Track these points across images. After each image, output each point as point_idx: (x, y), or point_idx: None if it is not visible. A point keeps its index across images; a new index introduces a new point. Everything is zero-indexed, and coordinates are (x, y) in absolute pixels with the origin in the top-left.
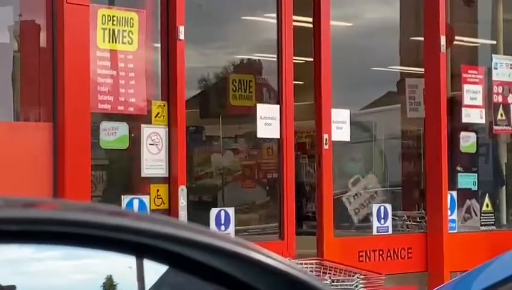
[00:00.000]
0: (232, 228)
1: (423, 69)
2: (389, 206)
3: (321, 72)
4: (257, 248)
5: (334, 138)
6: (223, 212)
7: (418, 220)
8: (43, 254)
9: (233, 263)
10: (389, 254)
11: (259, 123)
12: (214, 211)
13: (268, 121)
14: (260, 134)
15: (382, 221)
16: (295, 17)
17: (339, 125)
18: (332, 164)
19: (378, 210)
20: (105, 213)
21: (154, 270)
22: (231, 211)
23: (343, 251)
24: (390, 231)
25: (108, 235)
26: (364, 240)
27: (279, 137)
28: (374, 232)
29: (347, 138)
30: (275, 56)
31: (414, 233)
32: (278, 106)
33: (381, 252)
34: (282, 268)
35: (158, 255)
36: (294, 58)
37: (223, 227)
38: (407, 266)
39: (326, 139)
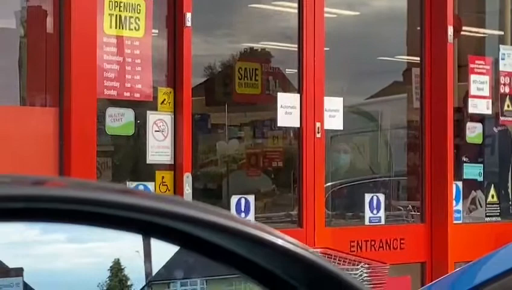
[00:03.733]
0: (252, 216)
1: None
2: (381, 196)
3: (314, 59)
4: (271, 230)
5: (327, 126)
6: (243, 200)
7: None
8: (49, 237)
9: (246, 245)
10: (381, 245)
11: (280, 112)
12: (234, 199)
13: (288, 110)
14: (280, 123)
15: (375, 211)
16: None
17: (332, 114)
18: (324, 153)
19: (371, 200)
20: (114, 191)
21: (162, 252)
22: (251, 198)
23: (334, 241)
24: (383, 222)
25: (116, 214)
26: (356, 230)
27: (299, 126)
28: (366, 222)
29: (340, 127)
30: (282, 44)
31: (407, 224)
32: (298, 95)
33: (373, 243)
34: (291, 249)
35: (166, 235)
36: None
37: (243, 214)
38: (399, 257)
39: (318, 128)
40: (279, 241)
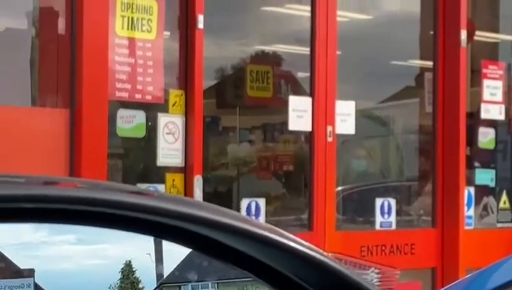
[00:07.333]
0: (262, 219)
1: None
2: (393, 201)
3: (326, 62)
4: (283, 232)
5: (339, 130)
6: (253, 203)
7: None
8: (60, 238)
9: (258, 247)
10: (391, 250)
11: (291, 115)
12: (245, 202)
13: (300, 114)
14: (292, 126)
15: (386, 216)
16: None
17: (344, 118)
18: (335, 157)
19: (382, 205)
20: (127, 192)
21: (173, 255)
22: (262, 202)
23: (344, 246)
24: (393, 226)
25: (128, 215)
26: (366, 234)
27: (310, 130)
28: (377, 227)
29: (352, 131)
30: (294, 48)
31: (419, 229)
32: (310, 99)
33: (383, 248)
34: (304, 251)
35: (178, 237)
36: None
37: (253, 218)
38: (410, 262)
39: (330, 132)
40: (292, 244)
